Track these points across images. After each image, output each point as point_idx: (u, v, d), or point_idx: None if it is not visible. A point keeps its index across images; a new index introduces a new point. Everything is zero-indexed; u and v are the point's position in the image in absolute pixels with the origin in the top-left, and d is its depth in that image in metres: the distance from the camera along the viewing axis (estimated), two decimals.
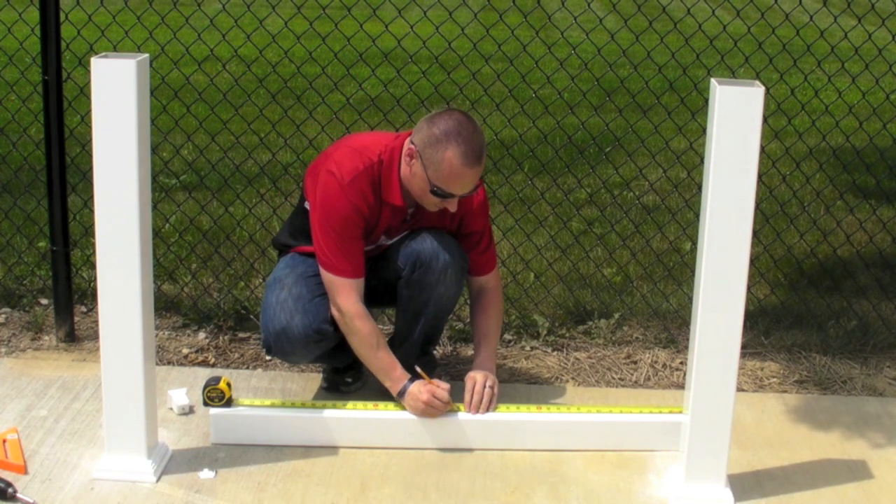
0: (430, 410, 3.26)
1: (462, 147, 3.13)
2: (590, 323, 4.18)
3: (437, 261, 3.32)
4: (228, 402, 3.28)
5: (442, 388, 3.29)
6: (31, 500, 3.00)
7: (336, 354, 3.49)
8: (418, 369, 3.32)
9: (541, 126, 5.57)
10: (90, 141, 2.90)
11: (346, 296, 3.26)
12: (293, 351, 3.33)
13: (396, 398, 3.31)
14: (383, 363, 3.31)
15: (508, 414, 3.34)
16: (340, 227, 3.24)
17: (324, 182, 3.25)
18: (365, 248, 3.34)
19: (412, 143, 3.22)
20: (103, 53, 2.89)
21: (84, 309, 4.21)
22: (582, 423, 3.36)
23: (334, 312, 3.31)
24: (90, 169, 2.94)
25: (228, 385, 3.28)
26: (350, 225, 3.25)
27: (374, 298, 3.49)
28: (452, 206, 3.25)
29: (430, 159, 3.16)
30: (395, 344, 3.51)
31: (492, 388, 3.33)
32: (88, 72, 2.84)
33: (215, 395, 3.27)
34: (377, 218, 3.31)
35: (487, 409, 3.32)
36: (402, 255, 3.36)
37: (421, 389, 3.26)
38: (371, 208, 3.27)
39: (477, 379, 3.34)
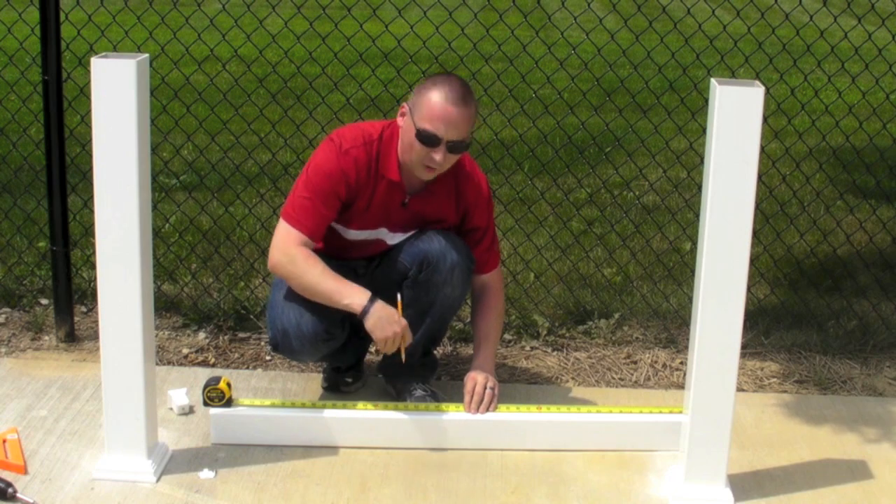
0: (389, 328, 3.19)
1: (446, 88, 3.15)
2: (590, 323, 4.18)
3: (445, 261, 3.32)
4: (228, 402, 3.28)
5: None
6: (31, 500, 3.00)
7: (341, 354, 3.49)
8: (399, 297, 3.29)
9: (541, 126, 5.57)
10: (90, 141, 2.90)
11: (288, 241, 3.22)
12: (301, 349, 3.33)
13: (360, 315, 3.22)
14: (343, 284, 3.21)
15: (508, 414, 3.34)
16: (318, 184, 3.23)
17: (322, 146, 3.29)
18: (363, 235, 3.36)
19: (405, 103, 3.26)
20: (103, 53, 2.89)
21: (84, 309, 4.21)
22: (582, 423, 3.36)
23: (275, 260, 3.23)
24: (90, 169, 2.94)
25: (228, 385, 3.28)
26: (329, 186, 3.23)
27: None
28: (438, 156, 3.16)
29: (416, 105, 3.19)
30: None
31: (492, 389, 3.33)
32: (88, 72, 2.84)
33: (215, 395, 3.27)
34: (371, 193, 3.29)
35: (487, 410, 3.32)
36: (409, 255, 3.35)
37: (382, 312, 3.20)
38: (361, 181, 3.26)
39: (478, 380, 3.33)
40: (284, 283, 3.35)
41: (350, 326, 3.40)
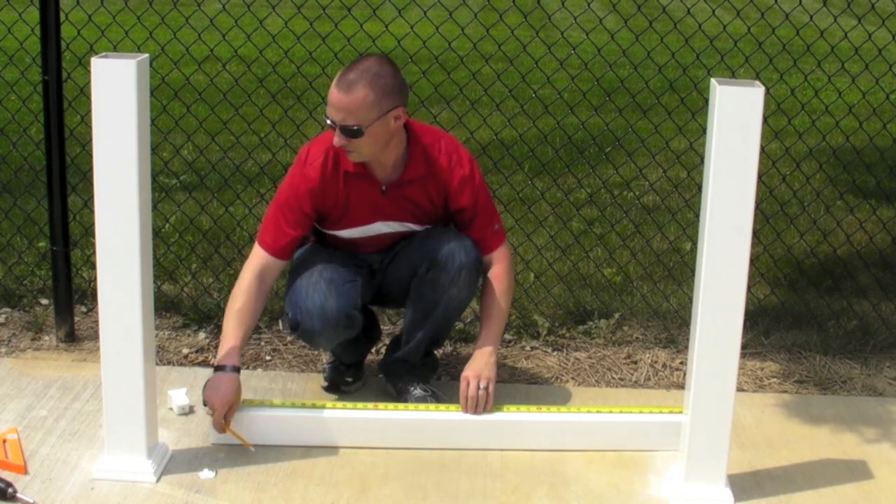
0: (210, 397, 3.19)
1: (341, 73, 3.17)
2: (590, 323, 4.18)
3: (453, 262, 3.31)
4: None
5: (224, 422, 3.19)
6: (31, 500, 3.00)
7: (349, 347, 3.52)
8: (231, 432, 3.23)
9: (541, 126, 5.57)
10: (90, 141, 2.90)
11: (249, 264, 3.34)
12: (322, 332, 3.32)
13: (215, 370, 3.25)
14: (227, 339, 3.25)
15: (508, 414, 3.34)
16: (284, 200, 3.33)
17: (291, 166, 3.37)
18: (358, 232, 3.38)
19: None
20: (103, 53, 2.89)
21: (84, 309, 4.21)
22: (582, 423, 3.36)
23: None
24: (90, 169, 2.94)
25: None
26: (294, 202, 3.31)
27: (388, 297, 3.51)
28: (335, 139, 3.19)
29: None
30: (402, 342, 3.52)
31: (486, 388, 3.31)
32: (88, 72, 2.84)
33: None
34: (346, 193, 3.32)
35: (484, 411, 3.31)
36: (419, 254, 3.35)
37: (221, 383, 3.18)
38: (328, 184, 3.30)
39: (470, 381, 3.31)
40: (305, 269, 3.37)
41: (362, 320, 3.44)
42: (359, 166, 3.29)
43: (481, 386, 3.30)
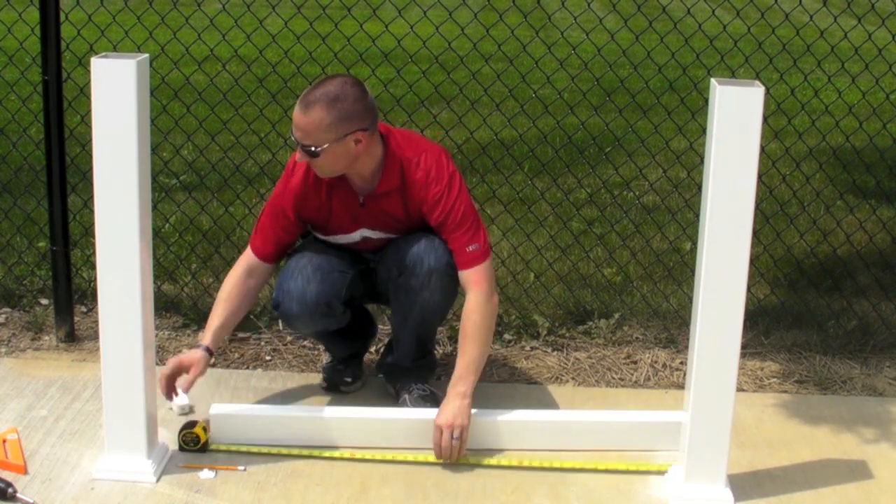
0: (173, 360, 3.27)
1: (305, 91, 3.20)
2: (590, 323, 4.18)
3: (421, 266, 3.30)
4: (204, 447, 3.23)
5: (177, 398, 3.30)
6: (31, 500, 3.00)
7: (336, 340, 3.54)
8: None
9: (541, 126, 5.57)
10: (90, 141, 2.90)
11: (240, 261, 3.40)
12: (300, 315, 3.34)
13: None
14: (210, 321, 3.35)
15: (509, 413, 3.34)
16: (271, 207, 3.38)
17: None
18: (345, 238, 3.39)
19: None
20: (103, 53, 2.89)
21: (84, 309, 4.21)
22: (582, 423, 3.36)
23: None
24: (90, 169, 2.94)
25: (205, 429, 3.24)
26: (279, 208, 3.35)
27: (381, 296, 3.52)
28: (298, 156, 3.25)
29: None
30: (394, 346, 3.52)
31: (458, 438, 3.20)
32: (88, 72, 2.84)
33: (190, 439, 3.23)
34: (328, 202, 3.33)
35: (458, 459, 3.23)
36: (392, 259, 3.36)
37: (179, 360, 3.26)
38: (310, 193, 3.32)
39: (443, 431, 3.20)
40: (298, 254, 3.40)
41: (352, 316, 3.46)
42: (336, 178, 3.29)
43: (454, 436, 3.20)
